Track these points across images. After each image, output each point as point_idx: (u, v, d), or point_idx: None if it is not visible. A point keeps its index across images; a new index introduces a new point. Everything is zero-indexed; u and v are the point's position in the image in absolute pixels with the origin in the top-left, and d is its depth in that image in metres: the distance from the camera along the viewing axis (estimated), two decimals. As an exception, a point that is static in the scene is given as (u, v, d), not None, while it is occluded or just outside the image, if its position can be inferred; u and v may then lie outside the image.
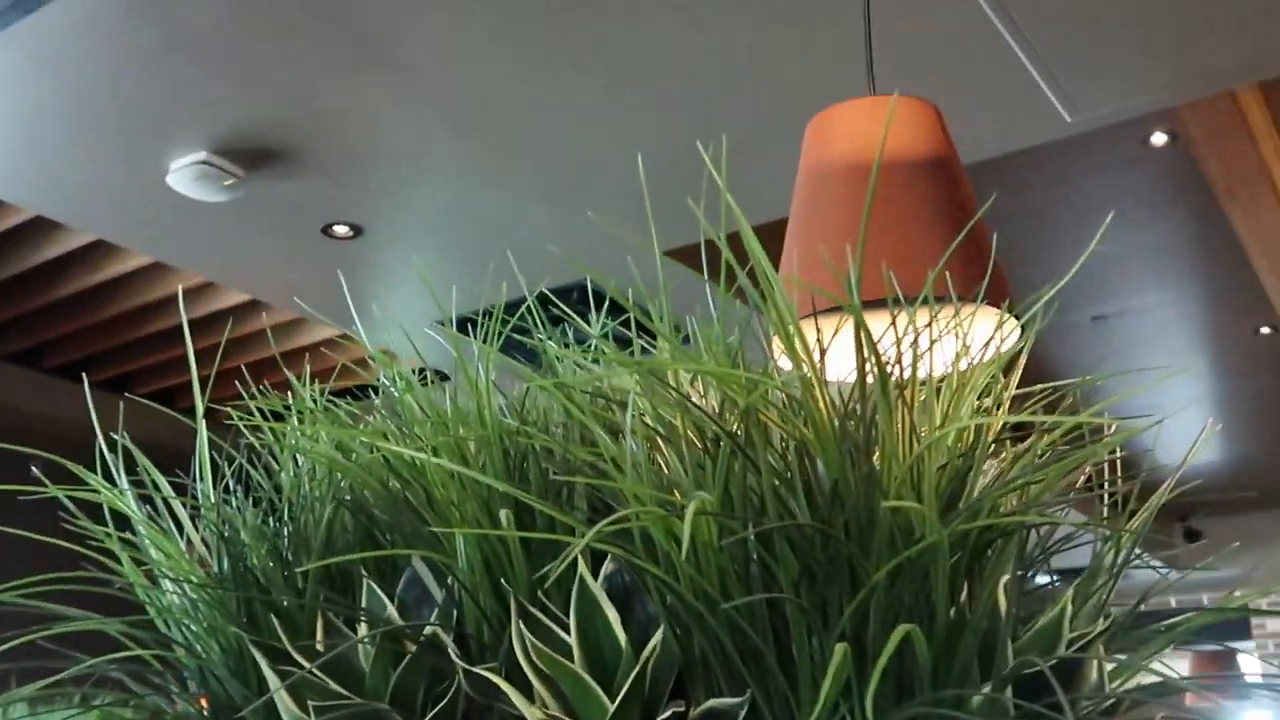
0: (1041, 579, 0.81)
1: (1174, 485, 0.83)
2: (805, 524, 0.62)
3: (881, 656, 0.56)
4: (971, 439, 0.73)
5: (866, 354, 0.63)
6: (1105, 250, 4.38)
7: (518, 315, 0.90)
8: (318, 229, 3.59)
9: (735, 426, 0.65)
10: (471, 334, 0.90)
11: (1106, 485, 0.83)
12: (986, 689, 0.60)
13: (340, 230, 3.61)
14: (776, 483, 0.64)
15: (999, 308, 1.22)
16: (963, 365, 0.80)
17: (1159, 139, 3.72)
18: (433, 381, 0.88)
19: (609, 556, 0.74)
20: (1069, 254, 4.42)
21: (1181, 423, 6.26)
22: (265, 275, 3.89)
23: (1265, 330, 4.93)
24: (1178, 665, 11.31)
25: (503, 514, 0.75)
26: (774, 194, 3.07)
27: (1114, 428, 0.74)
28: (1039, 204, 4.08)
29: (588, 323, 0.87)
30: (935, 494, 0.61)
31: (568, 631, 0.70)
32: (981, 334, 1.30)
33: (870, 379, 0.63)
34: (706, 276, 0.96)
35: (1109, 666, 0.67)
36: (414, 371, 0.88)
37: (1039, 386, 0.84)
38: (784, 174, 2.91)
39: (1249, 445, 6.71)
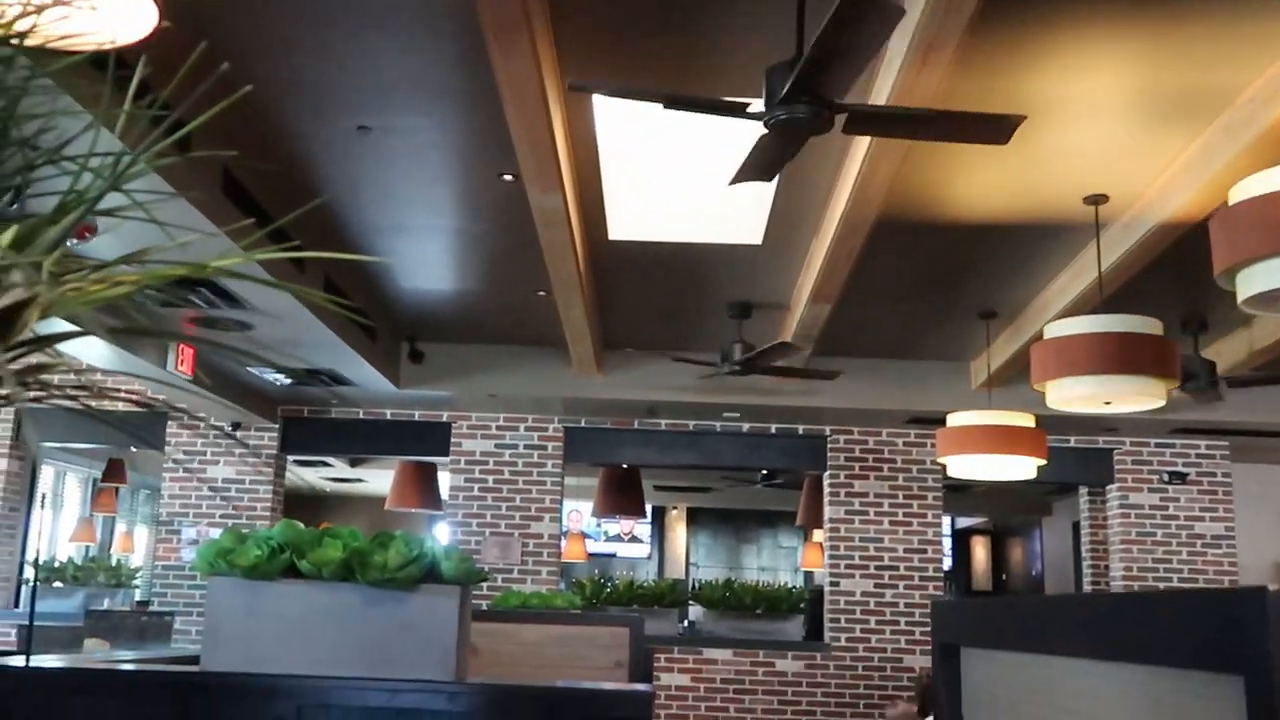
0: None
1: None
2: None
3: None
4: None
5: None
6: (377, 64, 4.40)
7: None
8: None
9: None
10: None
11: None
12: None
13: None
14: None
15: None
16: None
17: (446, -33, 3.78)
18: None
19: None
20: (344, 58, 4.37)
21: (420, 244, 6.64)
22: None
23: (507, 177, 5.34)
24: (391, 473, 12.07)
25: None
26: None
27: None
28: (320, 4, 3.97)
29: None
30: None
31: None
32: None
33: None
34: None
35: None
36: None
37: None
38: None
39: (475, 281, 7.35)
